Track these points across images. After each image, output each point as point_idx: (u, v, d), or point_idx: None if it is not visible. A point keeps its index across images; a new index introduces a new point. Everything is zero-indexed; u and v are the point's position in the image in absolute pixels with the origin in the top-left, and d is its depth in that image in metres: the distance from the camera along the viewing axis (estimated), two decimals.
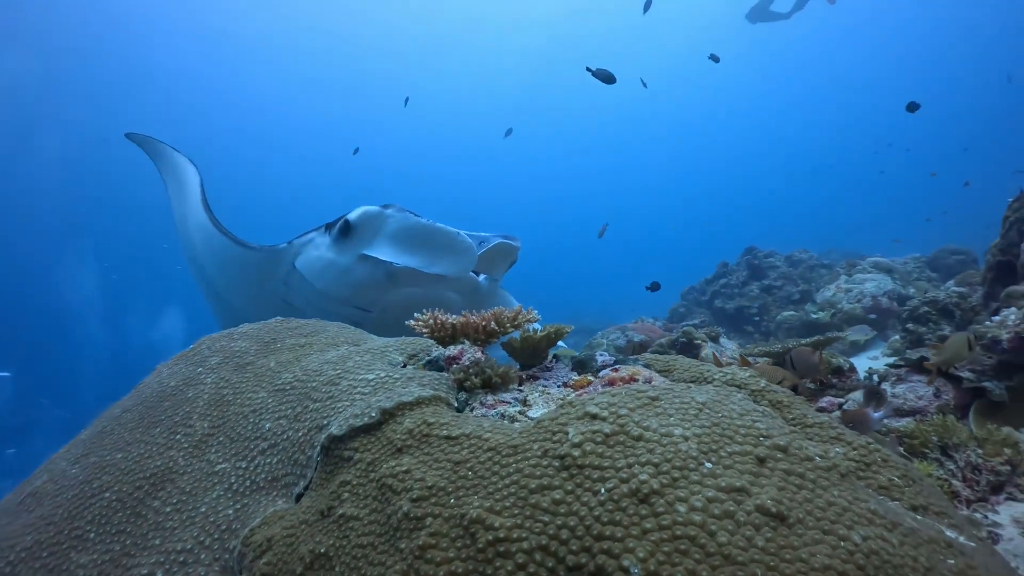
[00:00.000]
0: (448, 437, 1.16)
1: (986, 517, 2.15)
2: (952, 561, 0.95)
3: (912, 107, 6.21)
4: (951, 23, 36.17)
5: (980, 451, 2.41)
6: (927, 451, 2.47)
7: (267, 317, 2.36)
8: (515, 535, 0.87)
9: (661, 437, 0.97)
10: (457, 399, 1.52)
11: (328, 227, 3.88)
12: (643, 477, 0.89)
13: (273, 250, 4.09)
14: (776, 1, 13.97)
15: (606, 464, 0.94)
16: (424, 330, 1.77)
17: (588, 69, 5.50)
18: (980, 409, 2.86)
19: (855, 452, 1.34)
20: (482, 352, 1.73)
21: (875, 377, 3.29)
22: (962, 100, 39.20)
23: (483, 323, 1.77)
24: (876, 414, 2.51)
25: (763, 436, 0.98)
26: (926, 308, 4.20)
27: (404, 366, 1.81)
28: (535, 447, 1.04)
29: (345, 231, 3.67)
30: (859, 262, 7.56)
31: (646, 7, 11.33)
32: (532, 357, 1.79)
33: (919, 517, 1.20)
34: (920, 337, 4.14)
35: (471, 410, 1.49)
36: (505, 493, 0.96)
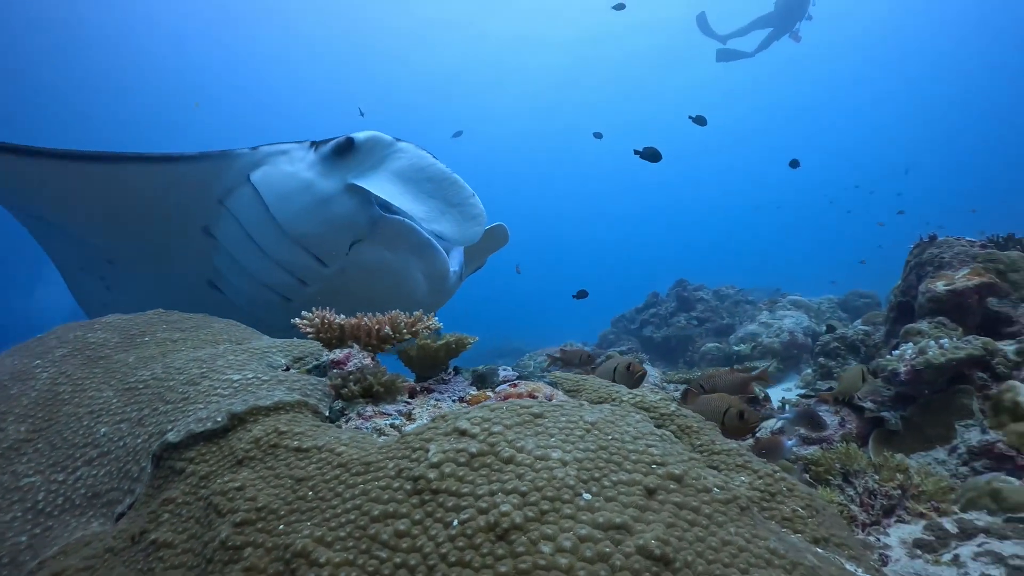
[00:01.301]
0: (298, 449, 0.98)
1: (878, 540, 2.19)
2: None
3: (794, 164, 6.77)
4: (897, 77, 39.17)
5: (876, 477, 2.47)
6: (831, 477, 2.51)
7: (164, 289, 2.03)
8: (342, 575, 0.71)
9: (535, 460, 0.82)
10: (331, 408, 1.34)
11: (316, 144, 3.08)
12: (505, 508, 0.74)
13: (216, 157, 3.05)
14: (736, 39, 14.47)
15: (465, 490, 0.79)
16: (309, 330, 1.57)
17: (636, 152, 5.47)
18: (879, 437, 2.95)
19: (761, 481, 1.25)
20: (372, 359, 1.56)
21: (787, 407, 3.33)
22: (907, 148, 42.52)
23: (377, 326, 1.59)
24: (788, 442, 2.51)
25: (656, 463, 0.86)
26: (836, 344, 4.35)
27: (287, 369, 1.61)
28: (390, 465, 0.87)
29: (342, 150, 2.94)
30: (780, 299, 7.89)
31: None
32: (429, 368, 1.64)
33: (820, 551, 1.12)
34: (830, 370, 4.29)
35: (346, 421, 1.31)
36: (344, 520, 0.79)
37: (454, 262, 3.46)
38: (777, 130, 44.95)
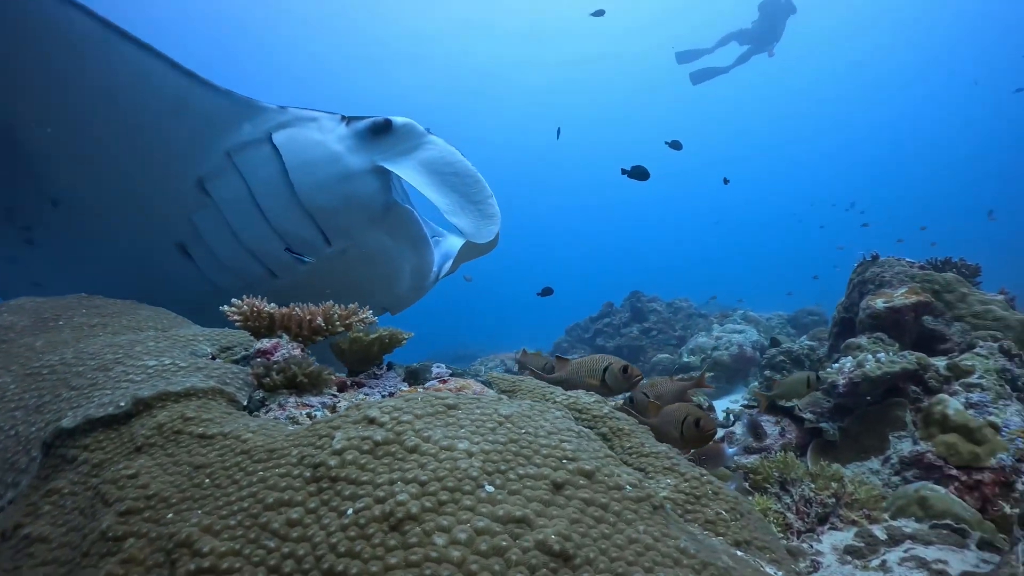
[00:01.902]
0: (202, 436, 0.93)
1: (811, 547, 2.23)
2: None
3: (726, 181, 7.05)
4: (856, 100, 40.68)
5: (812, 485, 2.51)
6: (769, 486, 2.54)
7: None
8: (225, 565, 0.66)
9: (440, 451, 0.79)
10: (251, 397, 1.28)
11: (347, 119, 2.98)
12: (402, 498, 0.71)
13: (241, 102, 2.77)
14: (712, 52, 14.63)
15: (364, 479, 0.75)
16: (237, 318, 1.51)
17: (623, 171, 5.50)
18: (817, 447, 3.01)
19: (687, 484, 1.25)
20: (301, 350, 1.50)
21: (732, 417, 3.38)
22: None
23: (309, 317, 1.54)
24: (729, 451, 2.54)
25: (568, 459, 0.84)
26: (782, 357, 4.45)
27: (213, 358, 1.54)
28: (294, 452, 0.83)
29: (378, 130, 2.88)
30: (731, 313, 8.08)
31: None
32: (361, 363, 1.59)
33: (739, 554, 1.12)
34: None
35: (266, 411, 1.26)
36: (236, 508, 0.74)
37: (436, 263, 3.45)
38: (751, 150, 46.25)
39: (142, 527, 0.75)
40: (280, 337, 1.50)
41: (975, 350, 3.44)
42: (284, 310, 1.53)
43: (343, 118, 2.96)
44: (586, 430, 1.01)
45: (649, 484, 0.93)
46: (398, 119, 2.91)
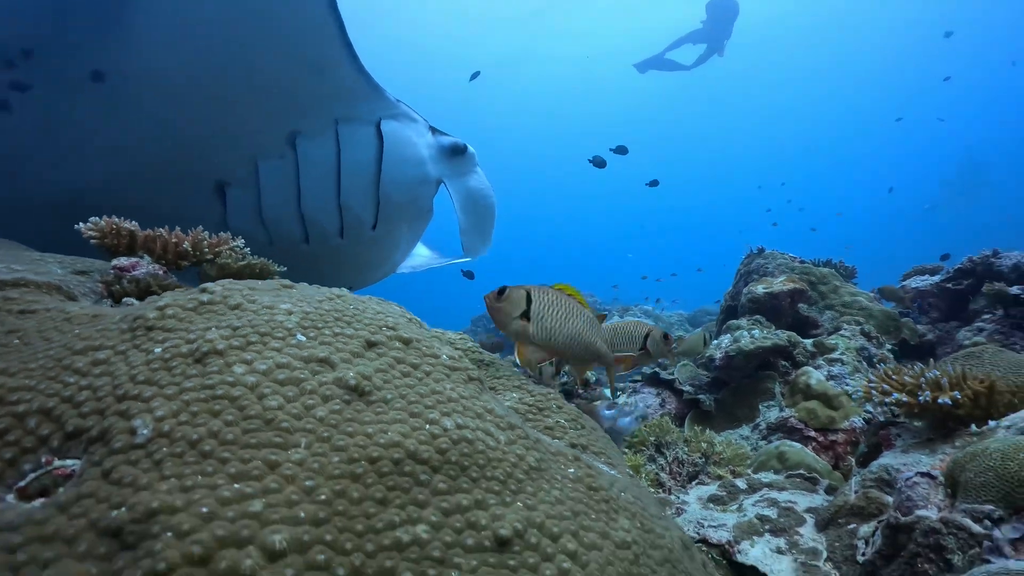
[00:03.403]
0: (23, 311, 0.91)
1: (679, 498, 2.38)
2: (572, 471, 0.93)
3: (653, 183, 7.39)
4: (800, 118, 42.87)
5: (686, 448, 2.67)
6: (644, 448, 2.68)
7: None
8: (14, 398, 0.67)
9: (261, 308, 0.83)
10: (97, 304, 1.25)
11: (434, 130, 3.27)
12: (211, 336, 0.74)
13: (371, 82, 2.84)
14: (671, 52, 14.75)
15: (181, 327, 0.77)
16: (93, 233, 1.46)
17: (590, 160, 5.70)
18: (694, 417, 3.21)
19: (532, 399, 1.33)
20: (165, 272, 1.48)
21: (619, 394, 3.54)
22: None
23: (175, 240, 1.51)
24: (606, 412, 2.67)
25: (388, 327, 0.89)
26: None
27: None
28: (117, 316, 0.84)
29: (457, 151, 3.23)
30: (632, 308, 8.47)
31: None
32: None
33: (570, 450, 1.19)
34: (664, 368, 4.65)
35: None
36: (42, 357, 0.75)
37: (405, 263, 3.92)
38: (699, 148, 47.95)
39: None
40: (141, 258, 1.47)
41: (840, 332, 3.80)
42: (148, 231, 1.50)
43: (431, 128, 3.29)
44: (419, 320, 1.07)
45: (467, 361, 0.98)
46: (470, 147, 3.30)
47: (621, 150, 6.39)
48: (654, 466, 2.65)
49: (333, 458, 0.63)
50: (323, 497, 0.58)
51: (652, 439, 2.73)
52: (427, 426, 0.75)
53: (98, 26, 2.41)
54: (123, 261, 1.42)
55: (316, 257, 3.17)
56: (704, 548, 2.00)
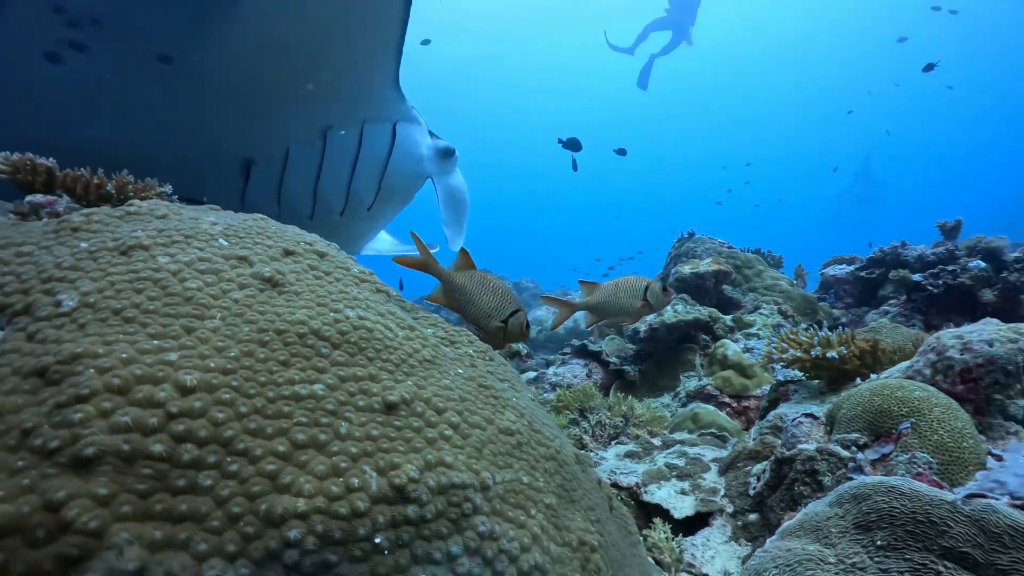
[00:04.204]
0: None
1: (598, 455, 2.54)
2: (464, 371, 1.04)
3: (575, 166, 7.51)
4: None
5: (608, 413, 2.84)
6: (568, 412, 2.84)
7: None
8: None
9: (187, 218, 0.90)
10: None
11: (431, 134, 3.76)
12: (137, 234, 0.81)
13: (398, 92, 3.24)
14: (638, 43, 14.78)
15: (107, 230, 0.84)
16: (3, 167, 1.45)
17: (560, 141, 5.77)
18: (619, 386, 3.40)
19: (444, 332, 1.44)
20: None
21: (545, 361, 3.70)
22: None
23: (98, 182, 1.53)
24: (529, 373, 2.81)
25: (307, 243, 0.98)
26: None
27: None
28: (40, 223, 0.90)
29: (447, 154, 3.73)
30: (571, 294, 8.78)
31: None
32: None
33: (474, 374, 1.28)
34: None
35: None
36: None
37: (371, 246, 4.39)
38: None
39: None
40: (60, 196, 1.48)
41: (759, 310, 4.08)
42: (69, 171, 1.52)
43: (429, 132, 3.75)
44: (338, 247, 1.16)
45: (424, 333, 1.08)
46: (455, 149, 3.78)
47: (621, 152, 6.54)
48: (577, 429, 2.81)
49: (244, 328, 0.72)
50: (232, 354, 0.68)
51: (576, 405, 2.89)
52: (331, 313, 0.84)
53: (186, 19, 2.55)
54: (39, 198, 1.44)
55: (313, 229, 3.36)
56: (616, 492, 2.18)
